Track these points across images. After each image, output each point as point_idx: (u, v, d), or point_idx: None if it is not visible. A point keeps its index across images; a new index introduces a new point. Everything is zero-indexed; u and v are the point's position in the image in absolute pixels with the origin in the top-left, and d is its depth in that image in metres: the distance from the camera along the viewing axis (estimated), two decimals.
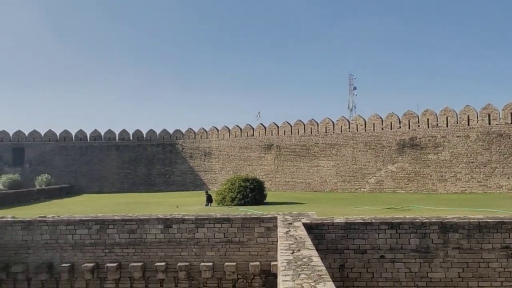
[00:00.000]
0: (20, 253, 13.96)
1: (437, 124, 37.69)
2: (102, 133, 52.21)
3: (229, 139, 48.80)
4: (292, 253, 8.07)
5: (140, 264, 13.55)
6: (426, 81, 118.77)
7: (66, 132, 52.19)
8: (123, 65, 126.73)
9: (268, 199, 32.20)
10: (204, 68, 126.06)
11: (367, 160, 40.52)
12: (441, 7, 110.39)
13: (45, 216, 15.19)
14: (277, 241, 11.84)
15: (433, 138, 37.58)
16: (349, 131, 41.86)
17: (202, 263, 13.42)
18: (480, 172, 35.46)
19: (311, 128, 44.06)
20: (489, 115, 35.51)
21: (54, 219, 14.28)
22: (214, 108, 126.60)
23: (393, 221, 12.36)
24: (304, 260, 7.48)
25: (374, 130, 40.65)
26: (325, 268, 6.88)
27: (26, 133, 51.90)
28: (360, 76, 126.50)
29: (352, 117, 49.17)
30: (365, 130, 41.04)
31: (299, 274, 6.54)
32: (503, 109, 35.15)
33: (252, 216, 14.04)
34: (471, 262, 11.92)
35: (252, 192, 30.59)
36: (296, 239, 9.59)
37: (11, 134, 51.82)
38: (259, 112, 53.20)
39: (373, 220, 12.42)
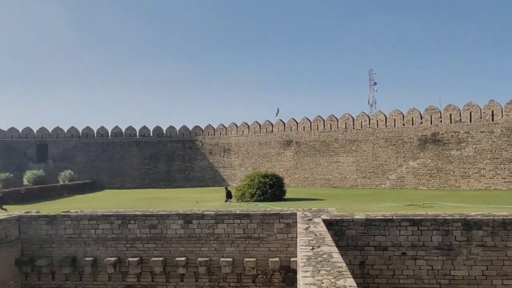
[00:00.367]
0: (45, 247, 14.25)
1: (460, 120, 36.96)
2: (123, 130, 52.92)
3: (248, 135, 48.83)
4: (312, 249, 8.02)
5: (161, 259, 13.68)
6: (448, 77, 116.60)
7: (88, 128, 53.08)
8: (144, 62, 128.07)
9: (287, 195, 32.15)
10: (223, 65, 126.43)
11: (388, 156, 40.03)
12: (463, 2, 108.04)
13: (68, 211, 15.47)
14: (296, 237, 11.80)
15: (456, 133, 36.86)
16: (369, 127, 41.42)
17: (222, 259, 13.47)
18: (505, 168, 34.65)
19: (330, 124, 43.74)
20: None
21: (77, 214, 14.52)
22: (233, 105, 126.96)
23: (414, 217, 12.18)
24: (324, 256, 7.43)
25: (395, 125, 40.11)
26: (345, 265, 6.82)
27: (50, 130, 52.99)
28: (381, 71, 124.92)
29: (372, 112, 48.65)
30: (386, 126, 40.53)
31: (319, 270, 6.50)
32: None
33: (272, 212, 14.01)
34: (495, 260, 11.66)
35: (271, 188, 30.59)
36: (316, 235, 9.54)
37: (35, 130, 52.97)
38: (278, 109, 53.10)
39: (394, 217, 12.25)
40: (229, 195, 31.00)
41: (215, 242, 13.70)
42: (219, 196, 32.50)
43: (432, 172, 37.82)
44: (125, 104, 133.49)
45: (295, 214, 13.43)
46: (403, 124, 39.74)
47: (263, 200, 29.41)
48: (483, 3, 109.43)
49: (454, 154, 36.83)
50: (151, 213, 14.37)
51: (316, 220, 11.80)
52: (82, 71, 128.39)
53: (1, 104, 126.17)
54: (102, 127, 53.16)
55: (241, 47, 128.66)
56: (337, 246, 8.60)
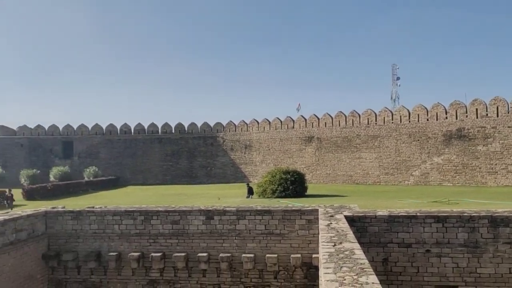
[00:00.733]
0: (70, 242, 14.56)
1: (487, 114, 36.05)
2: (146, 126, 53.57)
3: (269, 131, 48.78)
4: (333, 246, 7.96)
5: (183, 254, 13.80)
6: (474, 71, 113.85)
7: (111, 125, 53.92)
8: (166, 59, 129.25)
9: (309, 192, 32.01)
10: (245, 61, 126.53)
11: (411, 152, 39.40)
12: None
13: (93, 207, 15.75)
14: (318, 233, 11.73)
15: (483, 128, 35.99)
16: (392, 122, 40.82)
17: (244, 255, 13.50)
18: None
19: (352, 119, 43.29)
20: None
21: (101, 210, 14.77)
22: (254, 101, 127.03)
23: (439, 214, 11.94)
24: (346, 253, 7.36)
25: (418, 121, 39.42)
26: (367, 261, 6.74)
27: (75, 127, 54.06)
28: (404, 65, 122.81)
29: (396, 108, 47.94)
30: (409, 121, 39.88)
31: (341, 267, 6.44)
32: None
33: (293, 209, 13.96)
34: None
35: (292, 184, 30.51)
36: (337, 231, 9.46)
37: (60, 128, 54.12)
38: (299, 104, 52.76)
39: (418, 214, 12.04)
40: (250, 191, 31.07)
41: (236, 238, 13.73)
42: (241, 192, 32.60)
43: (457, 168, 37.04)
44: (148, 101, 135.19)
45: (316, 210, 13.35)
46: (427, 120, 39.02)
47: (285, 197, 29.36)
48: None
49: (480, 149, 35.97)
50: (173, 209, 14.50)
51: (338, 216, 11.70)
52: (105, 70, 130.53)
53: (28, 102, 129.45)
54: (125, 124, 53.94)
55: (263, 43, 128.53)
56: (359, 243, 8.50)
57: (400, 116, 40.66)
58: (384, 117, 41.48)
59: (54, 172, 48.05)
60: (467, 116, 37.01)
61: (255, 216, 13.74)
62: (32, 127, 54.32)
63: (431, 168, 38.45)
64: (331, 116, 44.82)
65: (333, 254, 7.26)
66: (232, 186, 42.64)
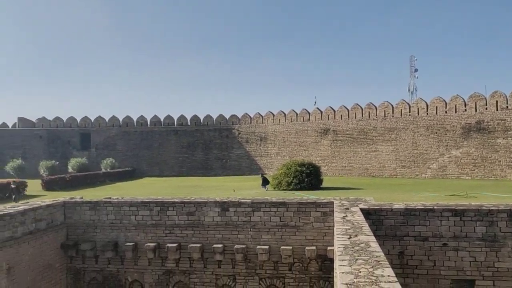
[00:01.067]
0: (88, 231, 14.79)
1: (507, 107, 35.31)
2: (162, 119, 53.93)
3: (284, 123, 48.64)
4: (349, 238, 7.92)
5: (198, 245, 13.91)
6: (494, 63, 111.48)
7: (128, 117, 54.42)
8: (181, 52, 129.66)
9: (324, 184, 31.89)
10: (261, 54, 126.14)
11: (429, 144, 38.88)
12: None
13: (110, 198, 15.96)
14: (333, 226, 11.69)
15: (503, 121, 35.28)
16: (410, 115, 40.31)
17: (259, 246, 13.54)
18: None
19: (369, 112, 42.88)
20: None
21: (118, 201, 14.95)
22: (270, 93, 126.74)
23: (457, 208, 11.77)
24: (362, 245, 7.31)
25: (436, 113, 38.85)
26: (383, 254, 6.69)
27: (92, 119, 54.72)
28: (422, 57, 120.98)
29: (413, 100, 47.26)
30: (427, 114, 39.31)
31: (356, 259, 6.41)
32: None
33: (308, 201, 13.92)
34: None
35: (308, 177, 30.42)
36: (353, 224, 9.40)
37: (78, 120, 54.86)
38: (315, 97, 52.41)
39: (435, 207, 11.89)
40: (265, 182, 31.07)
41: (251, 229, 13.78)
42: (256, 184, 32.65)
43: (476, 161, 36.45)
44: (164, 93, 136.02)
45: (332, 203, 13.29)
46: (446, 112, 38.41)
47: (300, 189, 29.31)
48: None
49: (500, 142, 35.29)
50: (189, 201, 14.59)
51: (353, 209, 11.64)
52: (122, 62, 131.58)
53: (47, 94, 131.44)
54: (142, 116, 54.39)
55: (279, 36, 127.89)
56: (375, 235, 8.44)
57: (418, 109, 40.11)
58: (401, 110, 40.97)
59: (72, 164, 48.80)
60: (486, 109, 36.32)
61: (270, 208, 13.75)
62: (51, 119, 55.17)
63: (449, 161, 37.91)
64: (347, 109, 44.46)
65: (348, 247, 7.22)
66: (247, 178, 42.73)
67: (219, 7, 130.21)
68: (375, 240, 7.67)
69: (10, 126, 55.81)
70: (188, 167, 52.33)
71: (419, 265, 11.57)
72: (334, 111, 45.30)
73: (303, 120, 47.36)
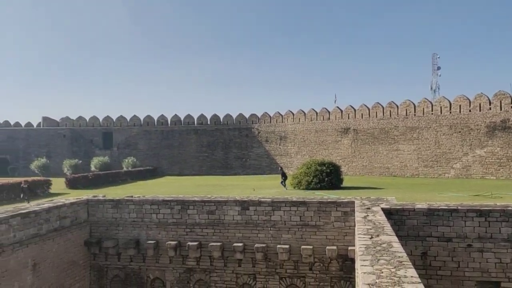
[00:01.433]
0: (111, 229, 15.02)
1: None
2: (182, 118, 54.35)
3: (304, 122, 48.44)
4: (370, 238, 7.83)
5: (219, 244, 13.98)
6: None
7: (149, 117, 55.04)
8: (201, 52, 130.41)
9: (344, 184, 31.62)
10: (280, 52, 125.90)
11: (452, 144, 38.16)
12: None
13: (132, 196, 16.18)
14: (354, 225, 11.59)
15: None
16: (432, 114, 39.62)
17: (279, 245, 13.53)
18: None
19: (390, 110, 42.33)
20: None
21: (140, 199, 15.15)
22: (289, 92, 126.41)
23: (482, 208, 11.53)
24: (384, 245, 7.22)
25: (460, 112, 38.09)
26: (406, 255, 6.60)
27: (114, 118, 55.52)
28: (445, 55, 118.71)
29: (436, 98, 46.45)
30: (450, 112, 38.58)
31: (378, 260, 6.33)
32: None
33: (329, 200, 13.84)
34: None
35: (328, 176, 30.20)
36: (374, 224, 9.30)
37: (100, 119, 55.74)
38: (335, 96, 52.00)
39: (459, 207, 11.67)
40: (284, 176, 30.90)
41: (271, 229, 13.77)
42: (276, 183, 32.58)
43: (501, 161, 35.60)
44: (184, 93, 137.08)
45: (352, 202, 13.19)
46: (470, 111, 37.63)
47: (320, 188, 29.13)
48: None
49: None
50: (209, 199, 14.68)
51: (374, 209, 11.51)
52: (142, 62, 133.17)
53: (70, 94, 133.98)
54: (162, 115, 54.91)
55: (297, 33, 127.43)
56: (397, 236, 8.33)
57: (441, 107, 39.41)
58: (423, 108, 40.32)
59: (95, 162, 49.61)
60: None
61: (290, 207, 13.73)
62: (74, 119, 56.20)
63: (473, 161, 37.14)
64: (368, 107, 43.99)
65: (370, 247, 7.15)
66: (267, 177, 42.69)
67: (238, 5, 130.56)
68: (397, 240, 7.57)
69: (35, 126, 57.11)
70: (208, 166, 52.61)
71: (442, 266, 11.38)
72: (355, 109, 44.88)
73: (323, 119, 47.06)
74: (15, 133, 55.44)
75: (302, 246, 13.34)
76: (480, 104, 37.21)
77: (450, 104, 38.81)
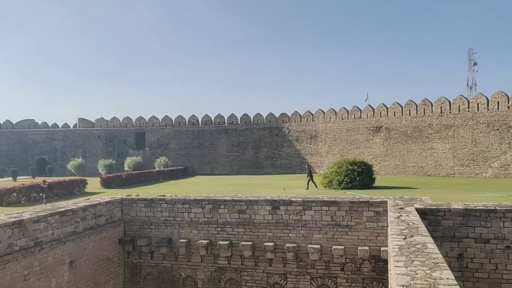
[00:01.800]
0: (144, 228, 15.31)
1: None
2: (212, 118, 54.83)
3: (335, 121, 47.95)
4: (404, 239, 7.66)
5: (249, 243, 14.00)
6: None
7: (180, 117, 55.80)
8: (231, 51, 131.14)
9: (376, 183, 31.12)
10: (310, 51, 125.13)
11: (490, 142, 36.91)
12: None
13: (164, 195, 16.41)
14: (387, 226, 11.37)
15: None
16: (469, 111, 38.44)
17: (310, 245, 13.43)
18: None
19: (424, 108, 41.34)
20: None
21: (172, 198, 15.36)
22: (320, 91, 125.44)
23: None
24: (418, 246, 7.05)
25: (498, 109, 36.79)
26: (441, 256, 6.41)
27: (147, 119, 56.61)
28: (482, 50, 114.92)
29: (472, 95, 45.05)
30: (488, 110, 37.33)
31: (412, 261, 6.18)
32: None
33: (361, 200, 13.63)
34: None
35: (360, 175, 29.80)
36: (408, 224, 9.09)
37: (133, 120, 56.94)
38: (367, 94, 51.14)
39: (498, 207, 11.26)
40: (310, 175, 30.54)
41: (302, 228, 13.69)
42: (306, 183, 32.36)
43: None
44: (214, 92, 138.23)
45: (385, 202, 12.94)
46: (508, 107, 36.30)
47: (351, 188, 28.79)
48: None
49: None
50: (240, 199, 14.71)
51: (408, 209, 11.26)
52: (174, 64, 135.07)
53: (104, 95, 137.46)
54: (193, 115, 55.56)
55: (328, 31, 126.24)
56: (432, 237, 8.11)
57: (478, 104, 38.18)
58: (459, 105, 39.18)
59: (128, 162, 50.73)
60: None
61: (322, 207, 13.60)
62: (108, 119, 57.64)
63: None
64: (400, 105, 43.12)
65: (404, 247, 6.99)
66: (298, 176, 42.49)
67: (268, 4, 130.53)
68: (432, 241, 7.38)
69: (71, 127, 58.94)
70: (238, 165, 52.87)
71: (479, 268, 11.01)
72: (387, 108, 44.07)
73: (354, 118, 46.46)
74: (53, 134, 57.39)
75: (334, 246, 13.20)
76: None
77: (488, 100, 37.56)
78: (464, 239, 11.15)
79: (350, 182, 29.46)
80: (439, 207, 11.60)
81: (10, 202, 25.59)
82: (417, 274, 5.57)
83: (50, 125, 59.77)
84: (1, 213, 12.75)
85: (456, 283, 5.22)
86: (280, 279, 14.06)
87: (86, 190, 32.29)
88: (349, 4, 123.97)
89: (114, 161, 51.17)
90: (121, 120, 57.18)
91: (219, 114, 54.81)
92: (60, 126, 59.05)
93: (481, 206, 11.66)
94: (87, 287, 13.38)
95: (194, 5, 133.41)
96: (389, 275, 7.76)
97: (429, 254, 6.51)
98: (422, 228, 8.61)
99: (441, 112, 40.03)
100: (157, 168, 49.09)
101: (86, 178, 34.57)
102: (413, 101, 42.35)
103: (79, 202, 14.88)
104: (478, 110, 37.94)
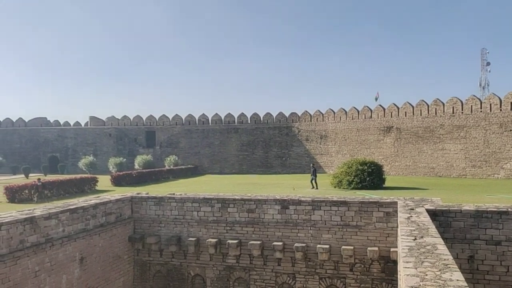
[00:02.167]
0: (153, 226, 15.40)
1: None
2: (222, 117, 54.90)
3: (345, 121, 47.74)
4: (414, 240, 7.61)
5: (258, 242, 14.01)
6: None
7: (190, 116, 55.98)
8: (241, 50, 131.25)
9: (387, 184, 30.92)
10: (320, 51, 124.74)
11: (503, 143, 36.46)
12: None
13: (173, 194, 16.49)
14: (397, 226, 11.30)
15: None
16: (481, 111, 38.00)
17: (319, 245, 13.40)
18: None
19: (435, 108, 40.96)
20: None
21: (181, 197, 15.43)
22: (330, 90, 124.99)
23: None
24: (428, 247, 7.00)
25: (511, 109, 36.32)
26: (451, 257, 6.36)
27: (157, 117, 56.88)
28: (495, 50, 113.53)
29: (485, 95, 44.53)
30: (501, 110, 36.87)
31: (422, 262, 6.14)
32: None
33: (370, 200, 13.55)
34: None
35: (370, 176, 29.64)
36: (418, 225, 9.03)
37: (144, 118, 57.25)
38: (377, 93, 50.76)
39: (509, 209, 11.12)
40: (314, 174, 30.22)
41: (311, 228, 13.66)
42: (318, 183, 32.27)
43: None
44: (224, 92, 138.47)
45: (395, 203, 12.86)
46: None
47: (361, 188, 28.64)
48: None
49: None
50: (249, 198, 14.73)
51: (418, 209, 11.17)
52: (184, 63, 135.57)
53: (115, 94, 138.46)
54: (203, 114, 55.69)
55: (338, 31, 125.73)
56: (442, 238, 8.04)
57: (490, 104, 37.73)
58: (471, 106, 38.75)
59: (138, 160, 51.02)
60: None
61: (331, 207, 13.56)
62: (119, 118, 58.03)
63: None
64: (411, 105, 42.77)
65: (414, 248, 6.94)
66: (307, 176, 42.28)
67: (278, 6, 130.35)
68: (443, 243, 7.32)
69: (83, 125, 59.46)
70: (248, 164, 52.90)
71: (490, 270, 10.89)
72: (398, 108, 43.75)
73: (365, 118, 46.21)
74: (64, 132, 57.96)
75: (343, 247, 13.15)
76: None
77: (501, 101, 37.11)
78: (475, 240, 11.04)
79: (360, 182, 29.31)
80: (450, 208, 11.50)
81: (22, 199, 25.90)
82: (426, 275, 5.53)
83: (62, 123, 60.39)
84: (13, 210, 12.91)
85: (466, 285, 5.17)
86: (288, 278, 14.04)
87: (97, 188, 32.55)
88: (361, 4, 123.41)
89: (125, 160, 51.52)
90: (131, 119, 57.53)
91: (229, 113, 54.89)
92: (71, 124, 59.61)
93: (492, 207, 11.53)
94: (97, 284, 13.50)
95: (206, 4, 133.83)
96: (398, 276, 7.71)
97: (439, 256, 6.46)
98: (433, 229, 8.54)
99: (453, 113, 39.64)
100: (167, 167, 49.28)
101: (97, 176, 34.85)
102: (424, 101, 41.99)
103: (89, 200, 15.01)
104: (490, 110, 37.50)
